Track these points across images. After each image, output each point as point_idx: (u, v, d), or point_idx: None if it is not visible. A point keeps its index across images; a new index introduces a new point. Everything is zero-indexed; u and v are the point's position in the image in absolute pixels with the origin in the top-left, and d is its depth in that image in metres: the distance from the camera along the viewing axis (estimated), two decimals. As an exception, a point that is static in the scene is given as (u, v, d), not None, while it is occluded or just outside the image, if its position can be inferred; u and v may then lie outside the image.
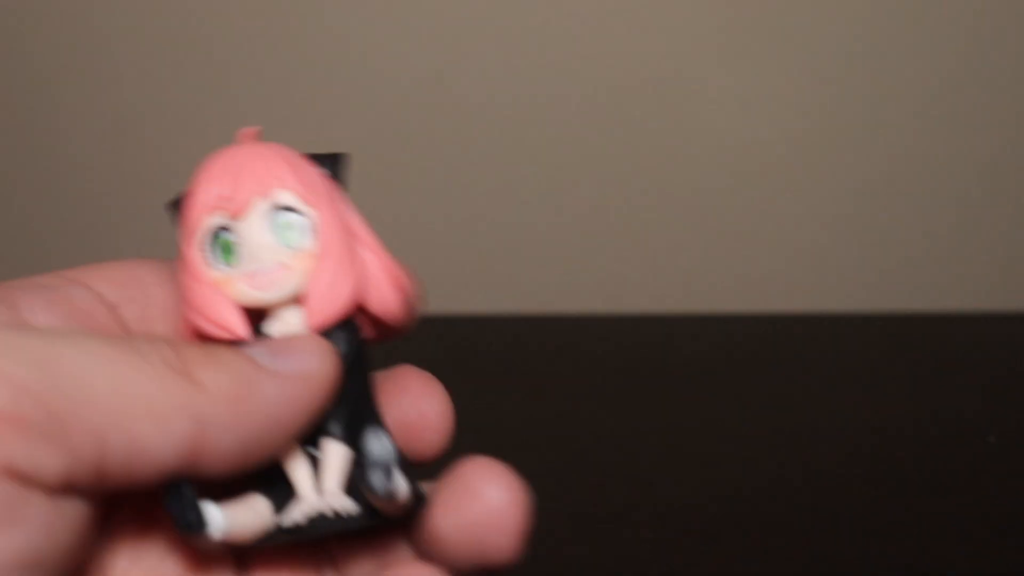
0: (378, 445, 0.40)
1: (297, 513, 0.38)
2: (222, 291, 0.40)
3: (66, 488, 0.32)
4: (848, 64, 0.98)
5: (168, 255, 0.47)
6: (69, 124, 1.00)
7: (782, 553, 0.58)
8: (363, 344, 0.41)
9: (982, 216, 1.02)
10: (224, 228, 0.40)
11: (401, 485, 0.38)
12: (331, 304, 0.40)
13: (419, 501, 0.38)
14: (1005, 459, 0.65)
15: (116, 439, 0.34)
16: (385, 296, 0.41)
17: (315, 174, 0.41)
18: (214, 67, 0.97)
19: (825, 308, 1.01)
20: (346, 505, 0.38)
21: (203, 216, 0.40)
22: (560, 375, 0.80)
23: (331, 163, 0.41)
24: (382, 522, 0.38)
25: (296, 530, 0.38)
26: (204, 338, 0.40)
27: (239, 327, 0.39)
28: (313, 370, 0.38)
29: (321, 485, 0.39)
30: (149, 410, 0.35)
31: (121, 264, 0.44)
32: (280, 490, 0.39)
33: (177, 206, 0.41)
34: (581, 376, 0.79)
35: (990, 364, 0.77)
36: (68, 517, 0.33)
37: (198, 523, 0.36)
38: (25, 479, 0.32)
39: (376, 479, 0.38)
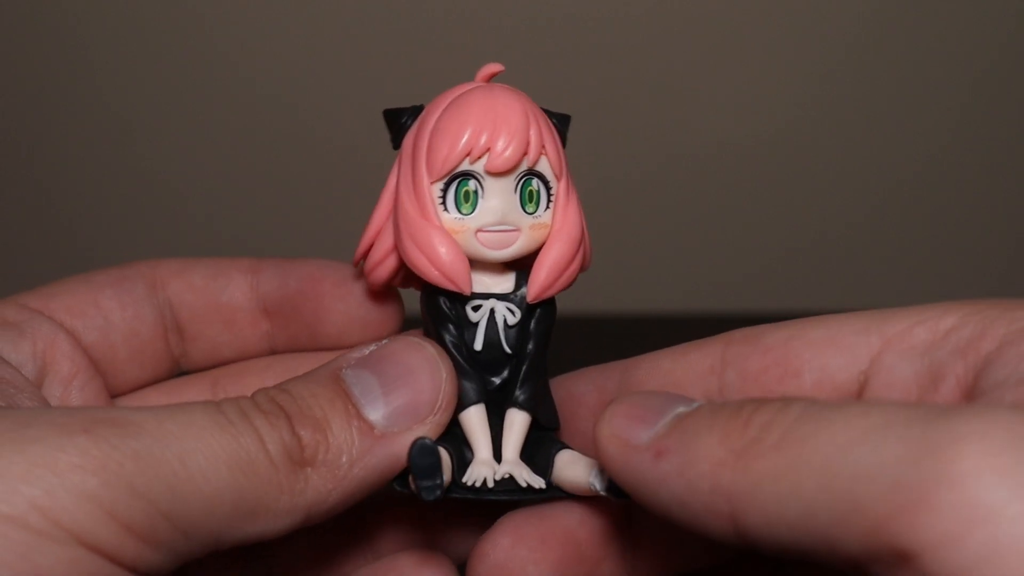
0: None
1: (479, 473, 0.39)
2: (454, 240, 0.40)
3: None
4: (847, 66, 0.98)
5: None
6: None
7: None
8: (555, 318, 0.41)
9: (983, 215, 1.02)
10: (471, 175, 0.40)
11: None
12: (554, 282, 0.41)
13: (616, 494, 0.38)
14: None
15: (228, 538, 0.34)
16: (585, 267, 0.43)
17: (558, 137, 0.41)
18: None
19: (825, 307, 1.01)
20: (530, 477, 0.39)
21: (459, 159, 0.39)
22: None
23: (560, 122, 0.42)
24: (560, 496, 0.39)
25: (477, 490, 0.39)
26: (411, 271, 0.41)
27: (467, 283, 0.40)
28: (425, 415, 0.39)
29: (504, 451, 0.40)
30: (265, 512, 0.35)
31: (82, 286, 0.44)
32: (457, 444, 0.39)
33: (396, 119, 0.41)
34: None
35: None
36: None
37: (443, 493, 0.36)
38: (119, 562, 0.32)
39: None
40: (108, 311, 0.44)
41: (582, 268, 0.43)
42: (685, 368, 0.41)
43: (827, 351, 0.38)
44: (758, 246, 1.03)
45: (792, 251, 1.03)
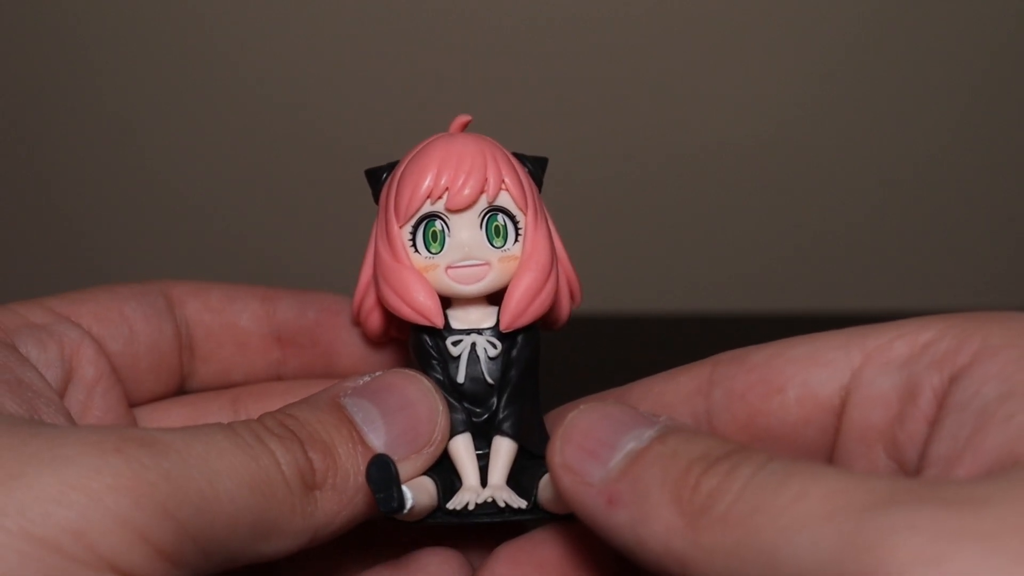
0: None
1: (463, 499, 0.40)
2: (424, 278, 0.41)
3: None
4: (847, 66, 0.98)
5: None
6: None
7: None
8: (539, 346, 0.42)
9: (982, 216, 1.02)
10: (436, 216, 0.41)
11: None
12: (525, 310, 0.41)
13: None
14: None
15: (242, 558, 0.35)
16: (562, 305, 0.44)
17: (526, 176, 0.42)
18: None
19: (825, 307, 1.01)
20: (511, 498, 0.40)
21: (421, 201, 0.41)
22: (561, 374, 0.79)
23: (534, 164, 0.43)
24: (543, 517, 0.40)
25: (460, 513, 0.40)
26: (392, 314, 0.42)
27: (438, 316, 0.41)
28: (423, 441, 0.40)
29: (489, 477, 0.41)
30: (278, 533, 0.36)
31: (107, 295, 0.45)
32: (446, 474, 0.40)
33: (376, 176, 0.43)
34: (579, 376, 0.79)
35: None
36: None
37: (400, 505, 0.37)
38: None
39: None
40: (133, 321, 0.45)
41: (572, 302, 0.44)
42: (675, 390, 0.42)
43: (809, 367, 0.38)
44: (758, 246, 1.03)
45: (792, 252, 1.03)
